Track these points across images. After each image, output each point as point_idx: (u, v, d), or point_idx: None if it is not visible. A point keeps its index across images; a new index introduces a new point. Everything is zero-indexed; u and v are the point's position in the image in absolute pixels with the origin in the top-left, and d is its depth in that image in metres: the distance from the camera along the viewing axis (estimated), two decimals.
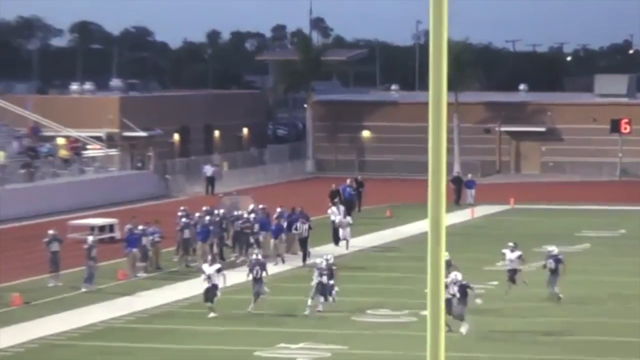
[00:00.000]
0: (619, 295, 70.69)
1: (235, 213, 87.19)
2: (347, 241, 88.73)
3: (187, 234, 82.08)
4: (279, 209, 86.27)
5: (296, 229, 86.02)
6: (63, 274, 71.97)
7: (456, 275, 58.37)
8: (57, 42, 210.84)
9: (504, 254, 70.32)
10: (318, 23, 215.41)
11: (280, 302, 66.82)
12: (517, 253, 70.10)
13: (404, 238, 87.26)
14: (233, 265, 79.70)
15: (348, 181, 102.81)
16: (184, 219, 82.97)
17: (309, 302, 63.55)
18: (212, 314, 60.91)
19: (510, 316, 64.23)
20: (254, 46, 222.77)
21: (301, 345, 50.76)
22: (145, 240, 79.25)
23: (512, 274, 67.91)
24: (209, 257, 69.15)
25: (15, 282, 71.89)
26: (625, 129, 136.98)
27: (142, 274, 71.76)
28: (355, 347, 60.54)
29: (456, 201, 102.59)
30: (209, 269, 63.13)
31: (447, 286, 56.46)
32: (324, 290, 64.15)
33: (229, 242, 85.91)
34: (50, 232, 76.72)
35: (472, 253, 72.97)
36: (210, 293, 61.60)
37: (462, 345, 50.66)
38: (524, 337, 61.81)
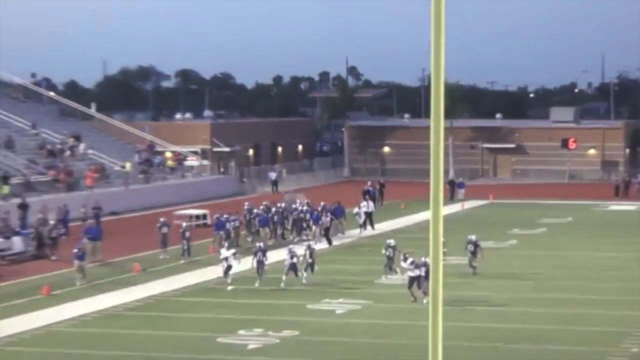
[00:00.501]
0: (568, 264, 70.73)
1: (293, 206, 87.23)
2: (372, 225, 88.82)
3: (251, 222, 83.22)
4: (322, 203, 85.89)
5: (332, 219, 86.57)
6: (170, 249, 72.50)
7: (426, 259, 54.45)
8: (166, 83, 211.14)
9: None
10: (352, 70, 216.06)
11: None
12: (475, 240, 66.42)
13: (414, 223, 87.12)
14: (290, 243, 79.46)
15: (369, 183, 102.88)
16: (252, 211, 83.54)
17: (283, 277, 61.76)
18: (230, 287, 60.43)
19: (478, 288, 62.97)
20: (306, 86, 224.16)
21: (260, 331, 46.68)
22: (228, 225, 79.51)
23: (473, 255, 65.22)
24: (226, 243, 69.45)
25: (136, 255, 72.26)
26: (572, 145, 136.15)
27: (224, 250, 71.52)
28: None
29: (451, 197, 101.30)
30: (226, 253, 62.57)
31: (418, 266, 56.06)
32: (294, 268, 62.48)
33: (289, 227, 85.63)
34: (161, 219, 76.84)
35: (461, 234, 72.30)
36: (227, 271, 61.26)
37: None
38: (487, 305, 58.83)
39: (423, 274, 54.62)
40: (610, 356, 45.89)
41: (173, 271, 67.26)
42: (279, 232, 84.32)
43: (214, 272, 64.48)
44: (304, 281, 62.65)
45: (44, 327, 50.78)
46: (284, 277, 62.22)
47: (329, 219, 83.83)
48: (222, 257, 62.64)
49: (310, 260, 64.05)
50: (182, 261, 72.00)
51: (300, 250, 66.55)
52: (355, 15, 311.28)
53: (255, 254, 63.99)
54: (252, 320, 51.58)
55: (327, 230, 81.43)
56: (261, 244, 66.10)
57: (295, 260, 63.27)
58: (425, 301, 52.59)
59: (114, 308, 55.53)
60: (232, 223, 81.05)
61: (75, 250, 64.57)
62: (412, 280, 55.97)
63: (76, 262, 63.54)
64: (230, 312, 55.18)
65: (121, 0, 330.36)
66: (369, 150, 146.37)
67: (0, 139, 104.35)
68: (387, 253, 63.78)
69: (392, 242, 65.89)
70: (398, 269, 61.66)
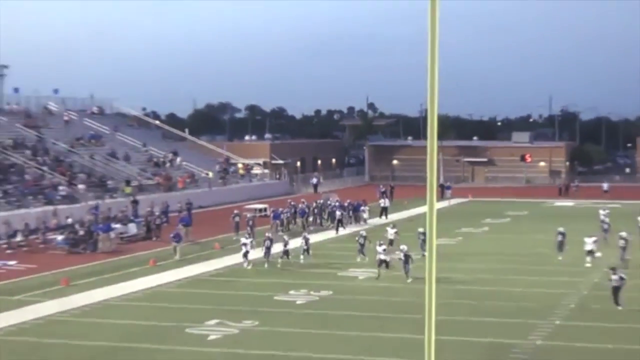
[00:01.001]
0: (526, 244, 70.01)
1: (329, 202, 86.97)
2: (386, 216, 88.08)
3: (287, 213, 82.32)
4: (348, 200, 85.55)
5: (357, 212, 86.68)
6: (240, 233, 71.26)
7: (405, 247, 54.75)
8: (238, 115, 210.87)
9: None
10: (371, 105, 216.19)
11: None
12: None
13: (414, 215, 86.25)
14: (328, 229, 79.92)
15: (381, 186, 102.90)
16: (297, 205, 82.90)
17: (301, 257, 60.21)
18: (248, 266, 58.41)
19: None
20: (338, 117, 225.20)
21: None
22: (282, 216, 79.28)
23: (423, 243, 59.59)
24: (248, 233, 67.80)
25: (216, 237, 71.72)
26: (528, 159, 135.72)
27: (280, 233, 71.04)
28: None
29: (441, 197, 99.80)
30: (246, 240, 60.38)
31: (389, 253, 55.06)
32: (268, 253, 59.35)
33: (325, 217, 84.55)
34: (235, 211, 76.55)
35: (447, 224, 72.08)
36: (246, 255, 58.78)
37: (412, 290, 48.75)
38: (463, 273, 57.26)
39: (403, 258, 53.30)
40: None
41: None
42: (318, 221, 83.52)
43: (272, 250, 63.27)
44: (301, 262, 60.14)
45: (152, 287, 51.11)
46: (301, 258, 60.42)
47: (339, 213, 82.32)
48: (242, 243, 60.45)
49: (305, 247, 61.60)
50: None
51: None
52: (373, 66, 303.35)
53: (264, 241, 61.05)
54: (298, 284, 51.52)
55: (339, 221, 79.70)
56: (269, 234, 62.97)
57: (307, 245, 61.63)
58: (409, 281, 52.03)
59: (201, 275, 55.63)
60: (285, 214, 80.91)
61: (172, 235, 65.04)
62: (381, 262, 54.32)
63: (173, 243, 63.75)
64: (281, 278, 54.89)
65: (207, 52, 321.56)
66: (383, 163, 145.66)
67: (121, 154, 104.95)
68: (360, 241, 61.53)
69: (363, 232, 64.16)
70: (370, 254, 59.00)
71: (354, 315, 43.49)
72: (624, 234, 60.79)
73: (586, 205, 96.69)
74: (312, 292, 49.32)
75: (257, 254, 60.15)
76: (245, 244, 59.73)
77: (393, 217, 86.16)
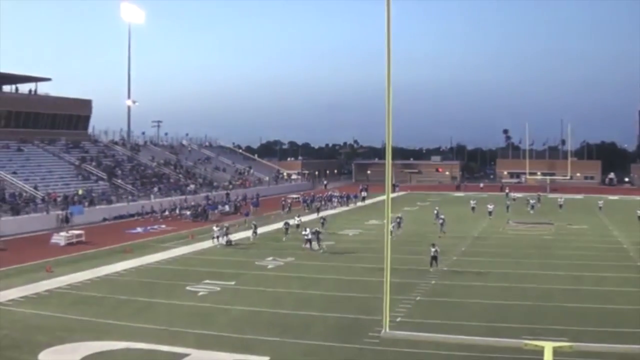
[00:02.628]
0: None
1: (332, 194, 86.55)
2: (364, 201, 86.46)
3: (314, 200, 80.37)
4: (343, 192, 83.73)
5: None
6: (285, 211, 70.62)
7: (316, 228, 48.08)
8: (284, 146, 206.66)
9: None
10: (355, 141, 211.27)
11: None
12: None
13: (380, 200, 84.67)
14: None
15: (361, 185, 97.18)
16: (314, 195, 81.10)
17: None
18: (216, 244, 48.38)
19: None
20: (338, 147, 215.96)
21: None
22: (308, 201, 78.64)
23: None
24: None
25: (272, 212, 69.67)
26: (440, 170, 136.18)
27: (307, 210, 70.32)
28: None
29: (393, 191, 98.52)
30: (215, 228, 50.30)
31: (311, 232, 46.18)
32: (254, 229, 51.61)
33: (330, 201, 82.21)
34: (282, 198, 76.24)
35: (396, 206, 71.05)
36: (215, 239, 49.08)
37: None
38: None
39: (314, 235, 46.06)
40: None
41: (285, 218, 65.49)
42: (326, 203, 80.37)
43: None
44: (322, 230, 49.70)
45: (239, 239, 50.37)
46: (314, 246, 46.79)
47: (336, 199, 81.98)
48: (283, 222, 55.49)
49: (321, 223, 55.19)
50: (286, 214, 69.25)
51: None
52: (358, 115, 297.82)
53: (285, 223, 54.61)
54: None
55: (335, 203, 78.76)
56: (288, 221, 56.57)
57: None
58: (321, 251, 44.69)
59: (265, 233, 54.83)
60: (308, 200, 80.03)
61: (245, 212, 65.36)
62: (307, 240, 45.58)
63: (245, 217, 63.46)
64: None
65: (268, 100, 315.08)
66: (362, 172, 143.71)
67: (221, 168, 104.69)
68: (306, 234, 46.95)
69: (299, 219, 57.70)
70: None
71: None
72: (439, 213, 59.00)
73: (469, 195, 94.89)
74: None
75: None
76: (255, 225, 52.29)
77: (368, 202, 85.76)
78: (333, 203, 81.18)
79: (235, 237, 50.90)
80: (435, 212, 60.67)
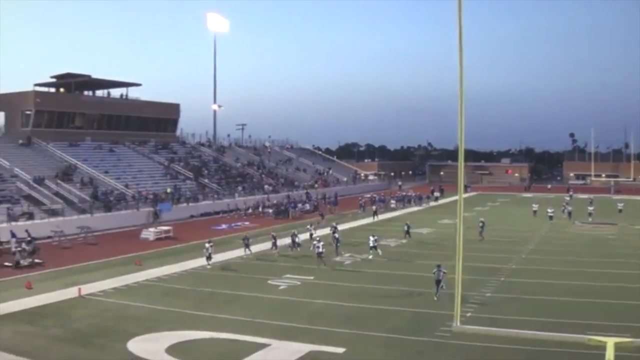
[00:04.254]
0: (503, 215, 67.50)
1: (407, 194, 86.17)
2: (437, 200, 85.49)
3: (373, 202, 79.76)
4: (417, 192, 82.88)
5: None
6: (359, 210, 70.72)
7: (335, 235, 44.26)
8: (361, 148, 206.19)
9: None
10: (430, 144, 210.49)
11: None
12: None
13: (453, 200, 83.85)
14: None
15: (437, 187, 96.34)
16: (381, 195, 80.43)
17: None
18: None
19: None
20: (412, 149, 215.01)
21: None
22: (378, 199, 78.35)
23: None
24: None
25: (351, 211, 70.29)
26: (509, 172, 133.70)
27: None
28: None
29: (465, 191, 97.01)
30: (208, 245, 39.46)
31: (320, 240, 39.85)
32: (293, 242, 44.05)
33: (405, 200, 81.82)
34: (359, 198, 76.17)
35: (468, 205, 69.39)
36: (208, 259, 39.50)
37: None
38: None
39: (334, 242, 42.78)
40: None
41: (364, 216, 65.78)
42: (401, 204, 79.64)
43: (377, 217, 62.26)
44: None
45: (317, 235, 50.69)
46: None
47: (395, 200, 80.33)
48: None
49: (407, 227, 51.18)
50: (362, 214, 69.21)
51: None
52: (432, 119, 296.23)
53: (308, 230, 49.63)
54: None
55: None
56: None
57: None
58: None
59: (349, 228, 55.10)
60: (382, 199, 79.61)
61: (319, 212, 65.30)
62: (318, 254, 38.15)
63: (325, 215, 63.76)
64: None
65: (347, 105, 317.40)
66: (435, 174, 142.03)
67: (301, 169, 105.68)
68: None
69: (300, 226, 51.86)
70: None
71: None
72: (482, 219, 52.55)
73: (537, 196, 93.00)
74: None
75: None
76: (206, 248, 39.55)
77: (441, 201, 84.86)
78: (390, 204, 78.99)
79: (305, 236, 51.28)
80: (481, 223, 55.35)
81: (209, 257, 38.30)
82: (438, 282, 29.25)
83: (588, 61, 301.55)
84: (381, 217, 65.41)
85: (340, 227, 53.97)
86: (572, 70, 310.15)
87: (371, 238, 41.77)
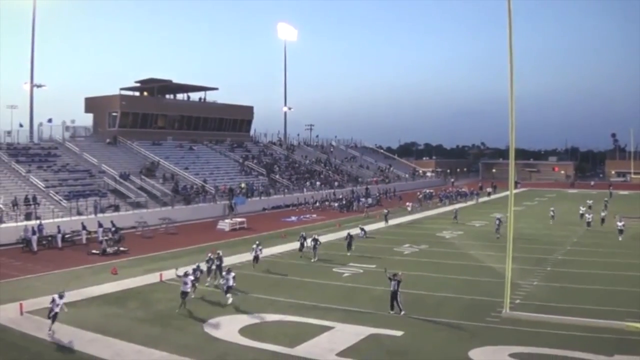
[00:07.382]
0: (548, 210, 66.19)
1: (460, 190, 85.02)
2: (489, 195, 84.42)
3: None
4: (471, 189, 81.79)
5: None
6: (416, 204, 70.15)
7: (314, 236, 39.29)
8: (419, 147, 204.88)
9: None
10: (482, 143, 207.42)
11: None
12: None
13: (504, 196, 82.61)
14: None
15: (482, 184, 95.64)
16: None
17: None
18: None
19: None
20: (466, 148, 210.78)
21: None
22: (421, 195, 77.20)
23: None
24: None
25: (403, 206, 67.77)
26: (556, 169, 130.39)
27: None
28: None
29: (515, 187, 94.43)
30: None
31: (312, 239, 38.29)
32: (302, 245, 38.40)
33: (457, 197, 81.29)
34: (418, 192, 75.13)
35: (518, 200, 67.79)
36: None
37: None
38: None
39: (313, 243, 37.79)
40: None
41: (420, 210, 65.12)
42: (455, 198, 79.33)
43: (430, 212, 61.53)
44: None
45: (379, 228, 50.54)
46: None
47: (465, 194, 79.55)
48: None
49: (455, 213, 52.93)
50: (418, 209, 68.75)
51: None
52: (487, 121, 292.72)
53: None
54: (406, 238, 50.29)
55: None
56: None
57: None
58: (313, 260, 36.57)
59: (400, 224, 55.26)
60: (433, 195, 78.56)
61: (366, 207, 64.96)
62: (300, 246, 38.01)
63: (365, 212, 63.37)
64: (409, 231, 53.56)
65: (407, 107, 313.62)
66: (488, 171, 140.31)
67: (365, 165, 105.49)
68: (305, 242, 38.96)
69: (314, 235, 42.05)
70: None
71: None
72: (498, 214, 50.52)
73: (581, 192, 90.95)
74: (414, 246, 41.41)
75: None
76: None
77: (493, 197, 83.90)
78: (462, 197, 79.06)
79: (370, 228, 51.35)
80: (497, 221, 52.76)
81: (256, 259, 34.05)
82: (394, 294, 24.88)
83: (627, 65, 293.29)
84: (433, 212, 65.16)
85: (398, 221, 54.11)
86: (613, 74, 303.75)
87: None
